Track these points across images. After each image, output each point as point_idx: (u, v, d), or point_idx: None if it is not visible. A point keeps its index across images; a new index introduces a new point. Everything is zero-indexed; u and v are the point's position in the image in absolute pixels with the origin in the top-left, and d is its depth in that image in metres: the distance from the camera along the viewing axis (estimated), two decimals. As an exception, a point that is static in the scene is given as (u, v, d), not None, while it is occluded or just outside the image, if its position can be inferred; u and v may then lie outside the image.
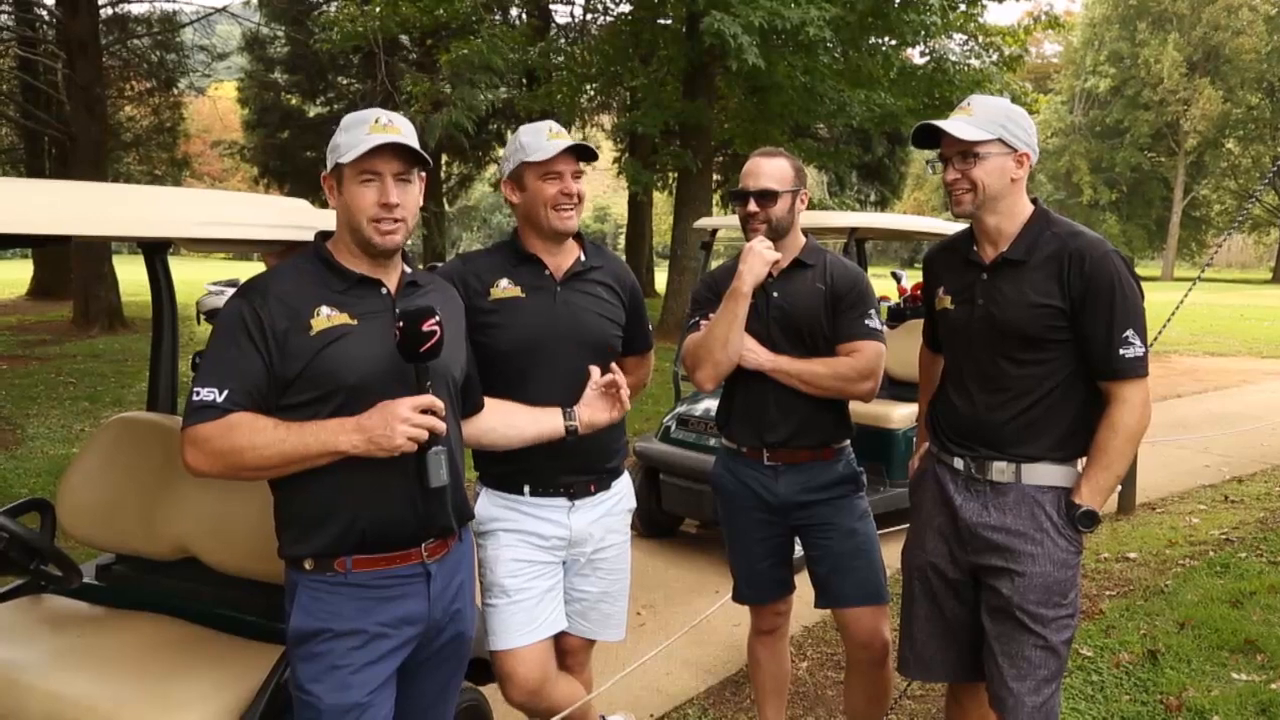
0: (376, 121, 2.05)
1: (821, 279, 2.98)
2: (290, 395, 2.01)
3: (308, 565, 2.08)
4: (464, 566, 2.30)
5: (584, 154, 2.66)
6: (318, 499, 2.05)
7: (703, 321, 3.02)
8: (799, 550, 3.16)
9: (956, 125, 2.40)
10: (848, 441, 3.11)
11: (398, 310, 2.04)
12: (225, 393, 1.95)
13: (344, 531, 2.06)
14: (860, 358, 2.91)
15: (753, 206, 2.92)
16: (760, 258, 2.84)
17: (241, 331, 2.00)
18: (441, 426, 2.01)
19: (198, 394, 1.96)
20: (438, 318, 2.00)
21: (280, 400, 2.01)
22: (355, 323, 2.07)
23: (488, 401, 2.55)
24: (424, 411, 1.98)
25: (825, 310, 2.96)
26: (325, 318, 2.04)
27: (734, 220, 3.15)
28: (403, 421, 1.94)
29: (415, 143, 2.08)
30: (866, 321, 2.95)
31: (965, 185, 2.43)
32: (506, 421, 2.56)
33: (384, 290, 2.15)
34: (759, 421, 3.01)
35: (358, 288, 2.11)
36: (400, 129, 2.07)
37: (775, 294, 2.96)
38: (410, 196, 2.11)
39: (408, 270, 2.24)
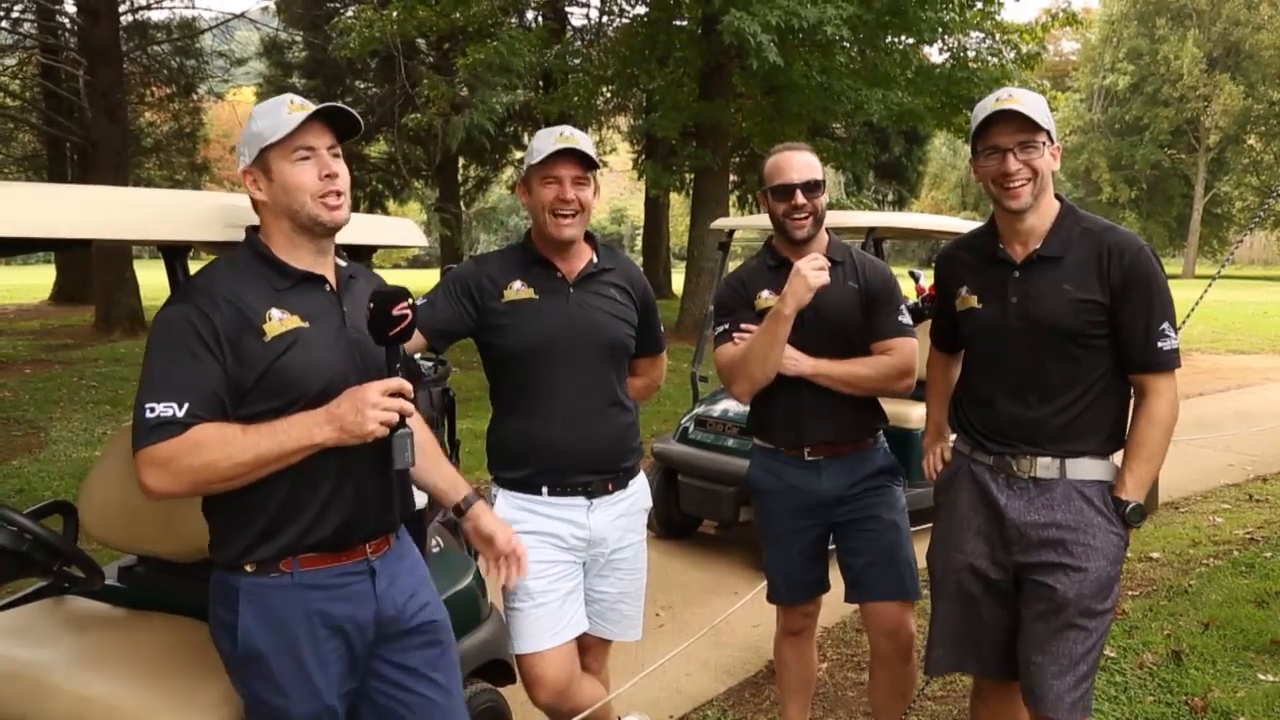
0: (293, 102, 2.00)
1: (853, 276, 2.99)
2: (247, 404, 1.94)
3: (249, 568, 2.00)
4: (406, 561, 2.24)
5: (586, 160, 2.64)
6: (274, 504, 1.99)
7: (734, 333, 3.00)
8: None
9: (1028, 108, 2.36)
10: (881, 433, 3.13)
11: (371, 291, 2.01)
12: (185, 406, 1.85)
13: (302, 534, 2.01)
14: (898, 355, 2.93)
15: (800, 199, 2.90)
16: (805, 282, 2.76)
17: (193, 338, 1.89)
18: (410, 408, 1.97)
19: (151, 410, 1.84)
20: (410, 301, 1.98)
21: (238, 409, 1.94)
22: (307, 325, 2.01)
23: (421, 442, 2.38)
24: (393, 395, 1.93)
25: (860, 308, 2.97)
26: (278, 322, 1.97)
27: (751, 221, 3.15)
28: (373, 406, 1.89)
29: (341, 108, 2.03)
30: (900, 318, 2.96)
31: (1027, 175, 2.40)
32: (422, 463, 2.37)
33: (327, 287, 2.10)
34: (798, 426, 3.00)
35: (302, 285, 2.05)
36: (313, 105, 2.02)
37: None
38: (344, 170, 2.05)
39: (341, 263, 2.18)
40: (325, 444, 1.91)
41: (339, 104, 2.03)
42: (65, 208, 1.96)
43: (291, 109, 1.98)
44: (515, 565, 2.42)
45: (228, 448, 1.86)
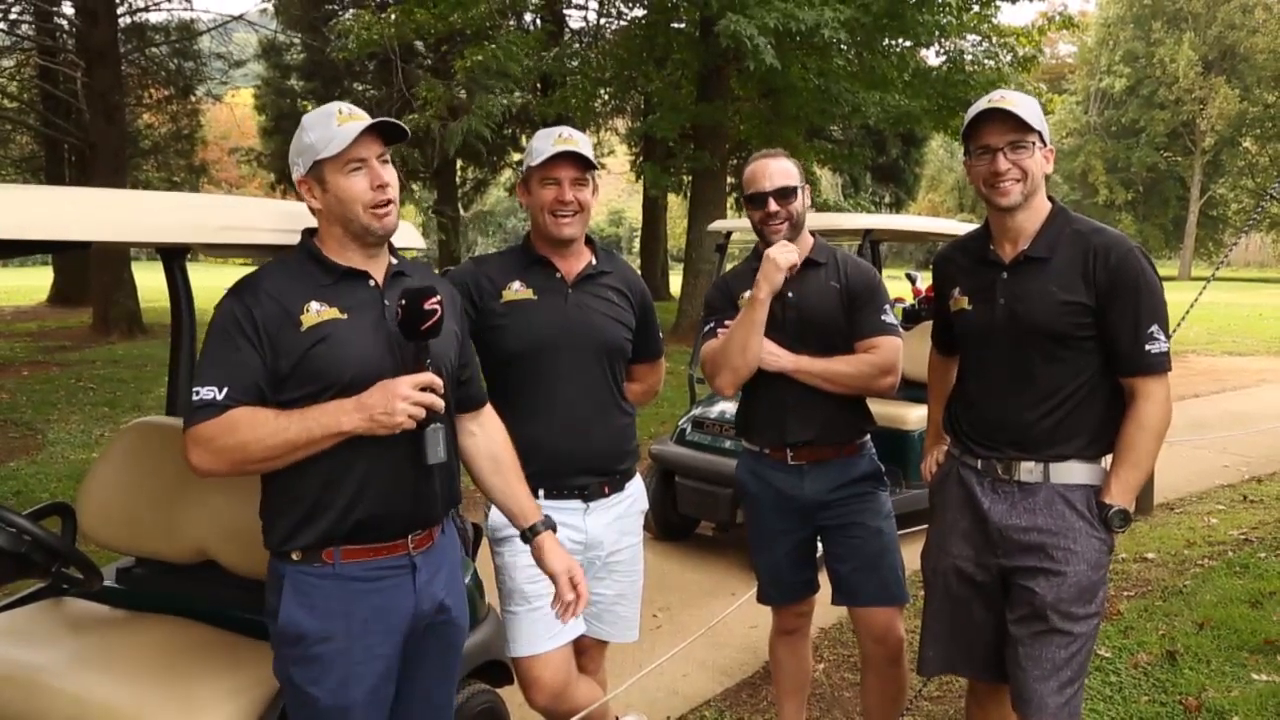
0: (341, 113, 2.08)
1: (835, 277, 3.01)
2: (286, 391, 2.03)
3: (295, 556, 2.09)
4: (448, 557, 2.30)
5: (584, 162, 2.67)
6: (314, 488, 2.06)
7: (719, 329, 3.03)
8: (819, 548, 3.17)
9: (1020, 109, 2.38)
10: (869, 436, 3.13)
11: (401, 289, 2.06)
12: (224, 390, 1.97)
13: (339, 520, 2.07)
14: (880, 353, 2.93)
15: (774, 206, 2.94)
16: (774, 264, 2.83)
17: (235, 329, 2.02)
18: (440, 403, 2.02)
19: (197, 394, 1.98)
20: (439, 297, 2.02)
21: (276, 395, 2.03)
22: (345, 316, 2.08)
23: (496, 457, 2.44)
24: (424, 389, 1.99)
25: (842, 308, 2.98)
26: (315, 313, 2.06)
27: (748, 223, 3.18)
28: (403, 399, 1.96)
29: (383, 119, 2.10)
30: (883, 317, 2.97)
31: (1017, 175, 2.41)
32: (493, 478, 2.44)
33: (371, 282, 2.16)
34: (781, 424, 3.01)
35: (345, 280, 2.13)
36: (364, 114, 2.09)
37: (790, 294, 2.96)
38: (394, 176, 2.14)
39: (394, 261, 2.24)
40: (354, 432, 1.98)
41: (387, 118, 2.10)
42: (63, 210, 1.97)
43: (340, 120, 2.06)
44: (573, 607, 2.36)
45: (258, 430, 1.96)
